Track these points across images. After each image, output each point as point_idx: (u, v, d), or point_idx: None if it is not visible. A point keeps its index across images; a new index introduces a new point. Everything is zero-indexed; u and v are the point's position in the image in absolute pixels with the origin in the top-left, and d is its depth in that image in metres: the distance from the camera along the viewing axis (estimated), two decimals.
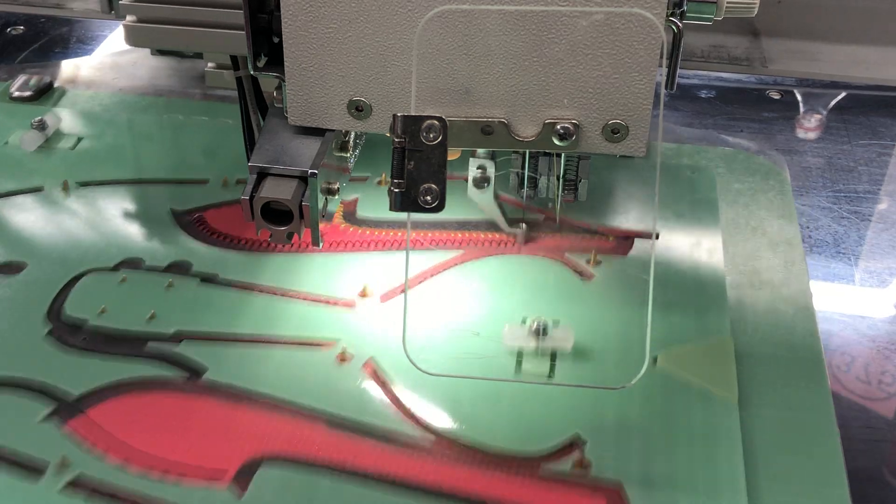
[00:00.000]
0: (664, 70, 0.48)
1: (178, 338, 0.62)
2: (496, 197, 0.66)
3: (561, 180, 0.64)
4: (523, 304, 0.64)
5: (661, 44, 0.46)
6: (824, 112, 0.88)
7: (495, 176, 0.63)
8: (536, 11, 0.46)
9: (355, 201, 0.73)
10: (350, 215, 0.72)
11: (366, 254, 0.69)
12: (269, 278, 0.66)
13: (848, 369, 0.63)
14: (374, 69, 0.49)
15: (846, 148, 0.83)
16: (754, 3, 0.51)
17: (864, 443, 0.58)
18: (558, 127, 0.48)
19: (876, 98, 0.90)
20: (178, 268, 0.67)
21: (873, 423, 0.59)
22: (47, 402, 0.57)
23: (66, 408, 0.57)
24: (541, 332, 0.60)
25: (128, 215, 0.72)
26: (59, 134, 0.81)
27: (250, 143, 0.62)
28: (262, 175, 0.51)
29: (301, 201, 0.50)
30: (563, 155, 0.63)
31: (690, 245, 0.69)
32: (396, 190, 0.46)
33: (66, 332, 0.62)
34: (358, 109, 0.50)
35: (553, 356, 0.60)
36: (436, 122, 0.46)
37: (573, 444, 0.55)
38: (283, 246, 0.69)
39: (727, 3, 0.50)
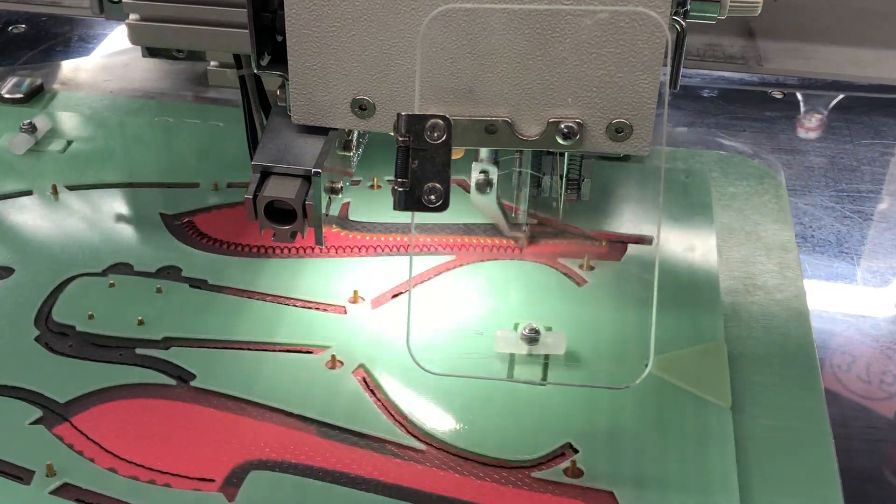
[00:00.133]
0: (668, 69, 0.48)
1: (166, 344, 0.61)
2: (499, 201, 0.66)
3: (564, 179, 0.64)
4: (516, 310, 0.64)
5: (666, 43, 0.46)
6: (825, 112, 0.88)
7: (498, 177, 0.63)
8: (541, 10, 0.46)
9: (347, 205, 0.72)
10: (342, 219, 0.71)
11: (357, 258, 0.68)
12: (259, 283, 0.66)
13: (849, 369, 0.63)
14: (377, 68, 0.49)
15: (849, 147, 0.83)
16: (757, 3, 0.51)
17: (865, 442, 0.58)
18: (562, 126, 0.48)
19: (878, 98, 0.90)
20: (168, 273, 0.67)
21: (874, 422, 0.59)
22: (34, 408, 0.57)
23: (54, 414, 0.56)
24: (532, 337, 0.60)
25: (117, 219, 0.72)
26: (49, 137, 0.80)
27: (253, 142, 0.61)
28: (266, 174, 0.51)
29: (305, 200, 0.50)
30: (566, 154, 0.62)
31: (684, 249, 0.69)
32: (400, 189, 0.46)
33: (54, 337, 0.62)
34: (361, 108, 0.50)
35: (546, 361, 0.60)
36: (440, 121, 0.46)
37: (565, 451, 0.55)
38: (275, 251, 0.68)
39: (731, 2, 0.50)
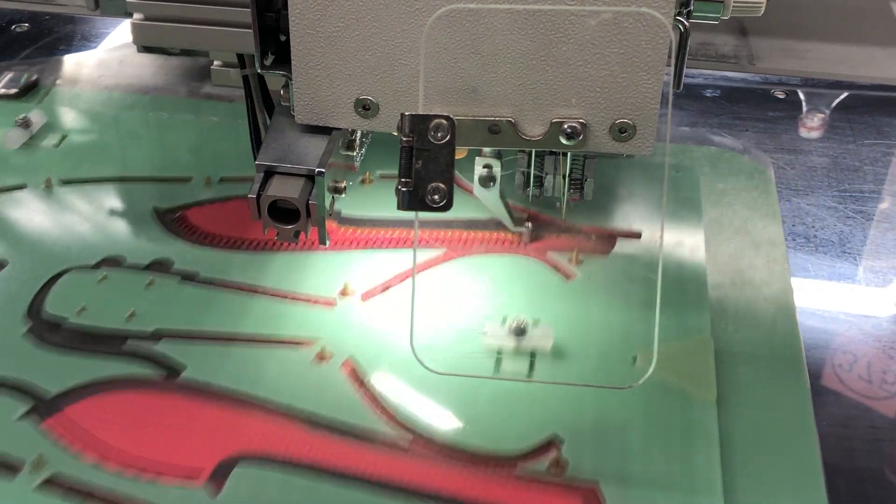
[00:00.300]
0: (671, 69, 0.48)
1: (156, 336, 0.61)
2: (502, 196, 0.66)
3: (567, 179, 0.64)
4: (504, 304, 0.64)
5: (670, 43, 0.46)
6: (827, 112, 0.88)
7: (501, 176, 0.63)
8: (544, 10, 0.46)
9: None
10: (333, 214, 0.71)
11: (348, 252, 0.68)
12: (249, 276, 0.66)
13: (851, 368, 0.63)
14: (381, 68, 0.49)
15: (851, 147, 0.83)
16: (760, 3, 0.51)
17: (866, 442, 0.58)
18: (566, 126, 0.48)
19: (881, 98, 0.90)
20: (159, 266, 0.67)
21: (876, 422, 0.59)
22: (25, 400, 0.57)
23: (44, 406, 0.57)
24: (520, 331, 0.60)
25: (110, 213, 0.72)
26: (43, 131, 0.81)
27: (257, 142, 0.61)
28: (269, 173, 0.51)
29: (308, 200, 0.50)
30: (569, 154, 0.63)
31: (673, 244, 0.69)
32: (404, 189, 0.46)
33: (46, 330, 0.62)
34: (365, 108, 0.50)
35: (532, 356, 0.60)
36: (444, 121, 0.46)
37: (550, 444, 0.55)
38: (266, 244, 0.68)
39: (734, 2, 0.50)
